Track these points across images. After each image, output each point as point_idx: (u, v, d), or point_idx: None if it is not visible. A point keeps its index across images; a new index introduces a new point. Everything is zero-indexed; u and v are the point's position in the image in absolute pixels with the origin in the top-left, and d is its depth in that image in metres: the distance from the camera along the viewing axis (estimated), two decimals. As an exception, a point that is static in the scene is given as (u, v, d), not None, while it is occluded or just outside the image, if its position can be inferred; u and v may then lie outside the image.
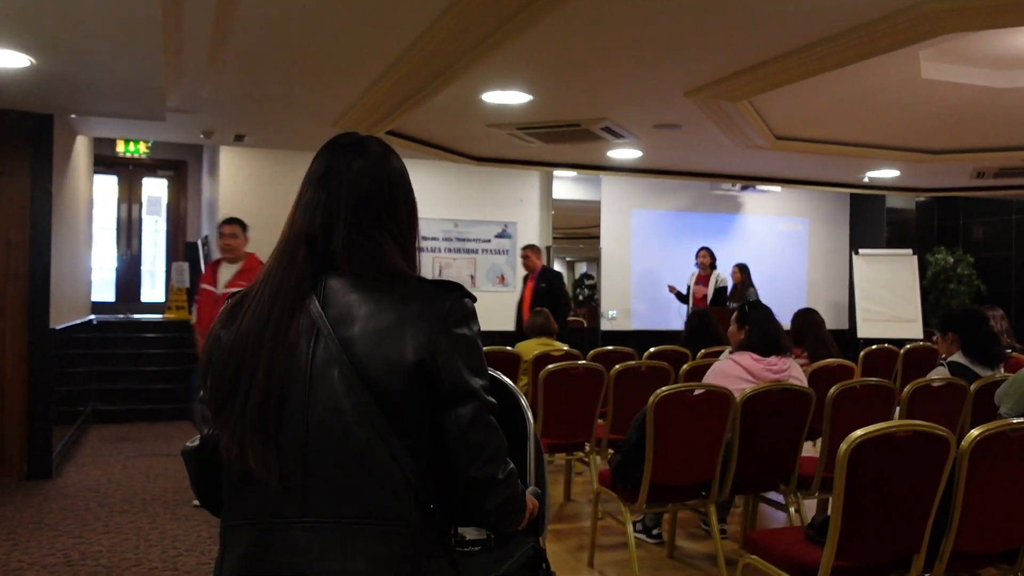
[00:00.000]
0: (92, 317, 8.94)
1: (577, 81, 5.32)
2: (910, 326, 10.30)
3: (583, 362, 5.19)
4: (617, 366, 5.15)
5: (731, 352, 4.18)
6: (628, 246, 10.72)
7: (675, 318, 10.12)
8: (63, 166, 6.42)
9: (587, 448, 5.24)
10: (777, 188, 10.48)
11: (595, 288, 11.09)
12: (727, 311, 9.89)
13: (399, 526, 1.28)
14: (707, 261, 9.75)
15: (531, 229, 10.12)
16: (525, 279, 8.42)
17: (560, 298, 8.37)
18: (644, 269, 10.80)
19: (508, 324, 9.94)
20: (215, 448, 1.36)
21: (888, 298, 10.36)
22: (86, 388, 8.35)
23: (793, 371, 4.09)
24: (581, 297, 11.15)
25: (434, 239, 9.77)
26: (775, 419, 3.98)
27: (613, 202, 10.68)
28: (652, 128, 6.64)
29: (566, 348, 6.27)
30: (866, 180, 9.20)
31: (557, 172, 10.17)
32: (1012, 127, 6.61)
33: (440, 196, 9.75)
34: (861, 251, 10.80)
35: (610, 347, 6.40)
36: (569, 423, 5.08)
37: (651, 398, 3.75)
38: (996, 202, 11.05)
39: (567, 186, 10.60)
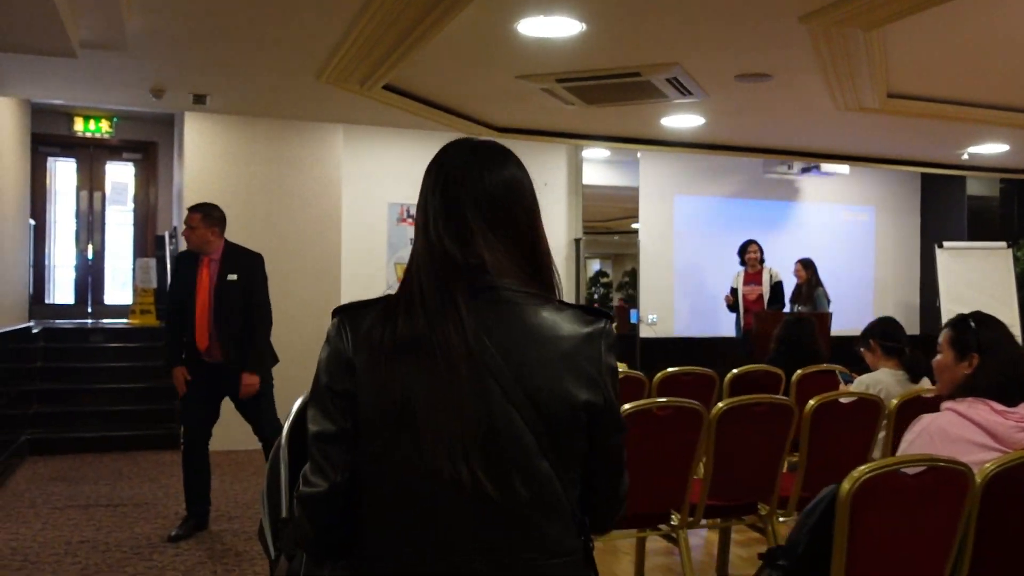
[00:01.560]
0: (31, 324, 7.38)
1: (651, 5, 3.77)
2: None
3: (665, 400, 3.63)
4: (720, 405, 3.60)
5: (948, 398, 2.59)
6: (670, 239, 9.16)
7: (725, 322, 8.54)
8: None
9: (674, 519, 3.66)
10: (845, 169, 8.92)
11: (610, 287, 9.48)
12: (785, 316, 8.34)
13: (574, 559, 1.28)
14: (757, 256, 8.17)
15: (557, 219, 8.56)
16: None
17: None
18: (689, 266, 9.24)
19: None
20: (347, 491, 1.25)
21: (977, 298, 8.78)
22: (21, 412, 6.79)
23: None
24: (596, 297, 9.60)
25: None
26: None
27: (653, 188, 9.09)
28: (732, 80, 5.07)
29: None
30: (965, 157, 7.63)
31: (587, 153, 8.61)
32: None
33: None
34: (946, 244, 9.22)
35: (676, 368, 4.87)
36: (651, 484, 3.53)
37: (845, 484, 2.20)
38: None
39: (599, 169, 9.00)
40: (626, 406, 3.36)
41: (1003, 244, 9.18)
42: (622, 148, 8.11)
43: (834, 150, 7.67)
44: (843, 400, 3.83)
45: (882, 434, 3.93)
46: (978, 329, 2.55)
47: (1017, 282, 9.33)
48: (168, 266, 8.39)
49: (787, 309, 8.43)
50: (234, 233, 7.26)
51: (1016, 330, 8.80)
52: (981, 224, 9.72)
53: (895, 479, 2.25)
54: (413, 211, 8.43)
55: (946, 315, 8.97)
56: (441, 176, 1.33)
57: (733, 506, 3.88)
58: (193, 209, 4.64)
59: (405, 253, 8.03)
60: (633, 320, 8.98)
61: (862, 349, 4.44)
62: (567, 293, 8.51)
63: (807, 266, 8.52)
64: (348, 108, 6.12)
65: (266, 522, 1.43)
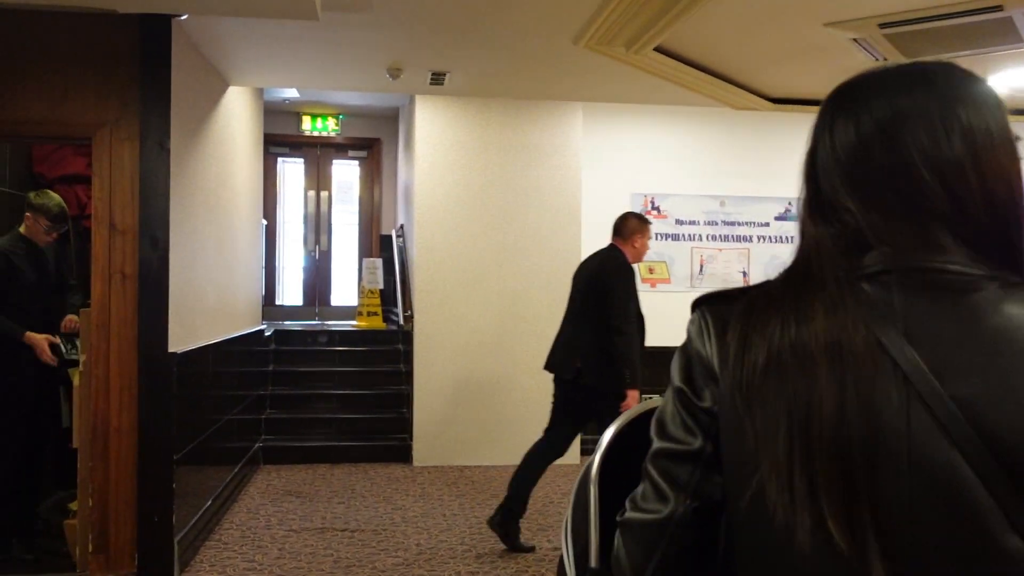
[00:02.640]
0: (263, 326, 7.17)
1: None
2: None
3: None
4: None
5: None
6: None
7: None
8: (191, 117, 4.49)
9: None
10: None
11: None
12: None
13: None
14: None
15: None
16: None
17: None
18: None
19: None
20: (688, 527, 0.95)
21: None
22: (256, 418, 6.55)
23: None
24: None
25: (692, 223, 7.24)
26: None
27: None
28: None
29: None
30: None
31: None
32: None
33: (700, 163, 7.20)
34: None
35: None
36: None
37: None
38: None
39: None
40: None
41: None
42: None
43: None
44: None
45: None
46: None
47: None
48: (397, 266, 8.01)
49: None
50: (467, 229, 6.75)
51: None
52: None
53: None
54: (658, 202, 7.61)
55: None
56: (858, 114, 0.92)
57: None
58: None
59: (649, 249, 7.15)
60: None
61: None
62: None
63: None
64: (600, 80, 5.33)
65: (569, 567, 1.15)
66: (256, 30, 4.22)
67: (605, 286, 4.29)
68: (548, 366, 4.53)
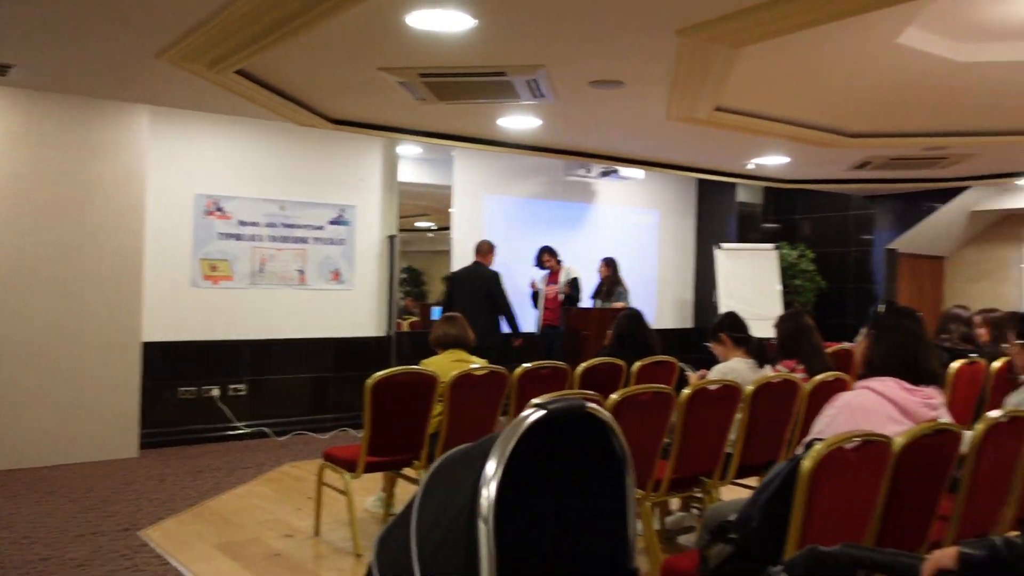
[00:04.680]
0: None
1: (548, 5, 3.86)
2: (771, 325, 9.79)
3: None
4: (615, 396, 3.79)
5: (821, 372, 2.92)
6: (481, 236, 9.32)
7: (526, 319, 8.90)
8: None
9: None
10: (640, 174, 9.57)
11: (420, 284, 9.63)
12: (593, 311, 8.86)
13: None
14: (552, 262, 8.92)
15: (372, 215, 8.44)
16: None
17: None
18: (497, 265, 9.47)
19: (345, 330, 8.23)
20: None
21: (750, 295, 9.81)
22: None
23: (942, 405, 2.93)
24: (403, 296, 9.74)
25: (254, 224, 7.80)
26: (924, 474, 2.82)
27: (466, 186, 9.23)
28: (586, 86, 5.31)
29: (487, 364, 4.85)
30: (750, 167, 8.49)
31: (401, 149, 8.57)
32: (955, 107, 6.01)
33: (263, 170, 7.80)
34: (723, 245, 10.18)
35: (530, 364, 5.04)
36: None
37: (807, 461, 2.43)
38: (833, 197, 10.91)
39: (413, 167, 9.03)
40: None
41: (771, 246, 10.30)
42: (431, 150, 8.23)
43: (641, 156, 8.22)
44: (711, 387, 4.17)
45: (739, 415, 4.31)
46: (887, 317, 2.90)
47: (781, 278, 10.50)
48: None
49: (587, 305, 8.98)
50: (17, 226, 6.47)
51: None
52: (748, 228, 10.85)
53: (840, 454, 2.52)
54: (222, 204, 8.01)
55: (723, 309, 9.92)
56: None
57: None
58: None
59: (212, 248, 7.56)
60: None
61: (711, 343, 4.84)
62: (380, 291, 8.44)
63: (609, 264, 9.10)
64: (174, 89, 5.67)
65: None
66: None
67: None
68: None
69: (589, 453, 1.27)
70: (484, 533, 1.08)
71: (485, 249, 8.24)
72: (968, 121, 6.42)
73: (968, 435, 2.96)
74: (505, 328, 8.18)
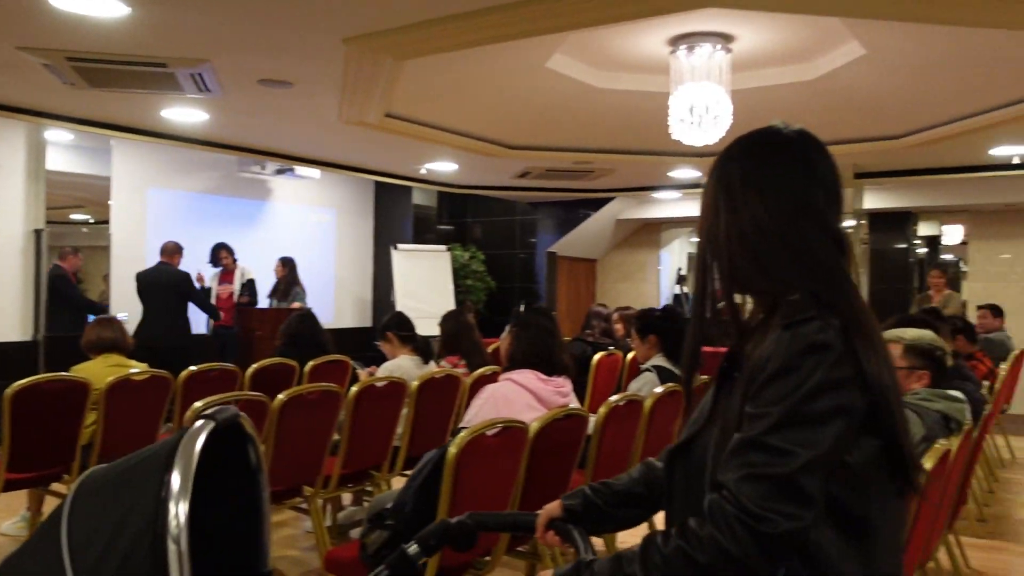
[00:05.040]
0: None
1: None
2: (444, 322, 10.27)
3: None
4: (281, 396, 3.80)
5: (505, 369, 3.21)
6: (144, 233, 8.75)
7: (196, 322, 8.54)
8: None
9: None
10: (316, 173, 9.54)
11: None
12: (268, 312, 8.68)
13: None
14: (229, 260, 8.64)
15: (13, 205, 7.57)
16: None
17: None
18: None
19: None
20: None
21: (425, 294, 10.20)
22: None
23: (571, 392, 3.32)
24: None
25: None
26: (557, 453, 3.18)
27: (127, 179, 8.58)
28: (254, 83, 5.23)
29: (147, 368, 4.63)
30: (423, 172, 8.84)
31: (50, 135, 7.78)
32: (597, 127, 6.77)
33: None
34: (400, 246, 10.47)
35: (195, 367, 4.89)
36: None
37: (452, 448, 2.65)
38: (502, 203, 11.70)
39: (65, 154, 8.22)
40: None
41: (444, 247, 10.79)
42: (87, 138, 7.58)
43: (316, 155, 8.23)
44: (378, 384, 4.33)
45: (405, 410, 4.52)
46: (529, 317, 3.24)
47: (454, 278, 11.04)
48: None
49: (263, 305, 8.80)
50: None
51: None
52: (424, 229, 11.27)
53: (483, 440, 2.78)
54: None
55: (400, 308, 10.24)
56: (822, 170, 1.30)
57: (282, 491, 4.10)
58: None
59: None
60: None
61: (379, 342, 5.02)
62: (26, 291, 7.62)
63: (286, 264, 8.99)
64: None
65: None
66: None
67: None
68: None
69: (227, 462, 1.24)
70: (175, 555, 0.97)
71: (171, 249, 7.79)
72: (608, 140, 7.25)
73: (593, 418, 3.39)
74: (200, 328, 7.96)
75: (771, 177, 1.28)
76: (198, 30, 4.21)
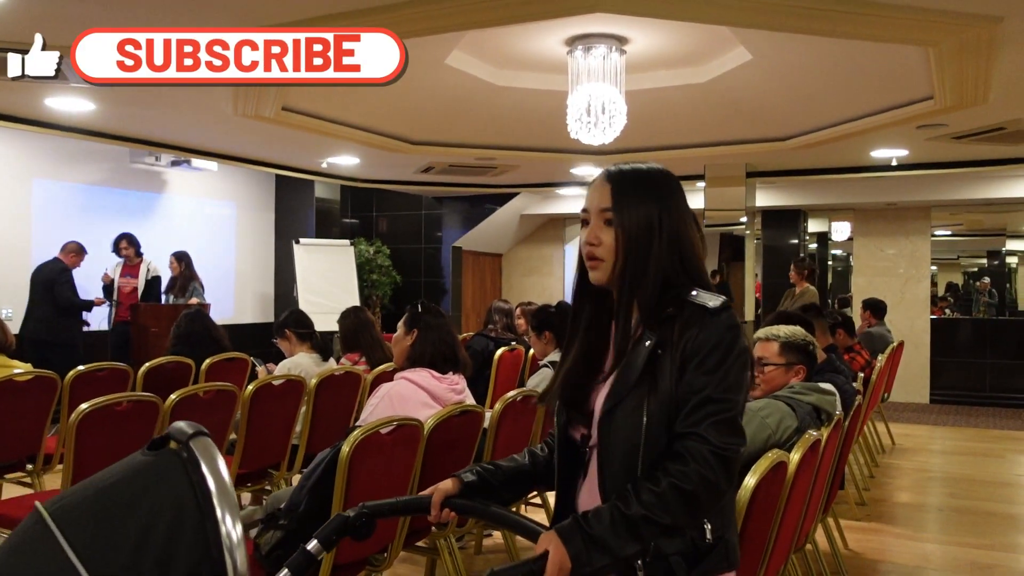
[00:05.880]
0: None
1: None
2: (346, 318, 10.18)
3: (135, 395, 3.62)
4: (173, 396, 3.73)
5: (400, 368, 3.22)
6: (29, 226, 8.38)
7: (98, 318, 8.25)
8: None
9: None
10: (213, 166, 9.31)
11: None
12: (164, 308, 8.42)
13: None
14: (131, 251, 8.31)
15: None
16: None
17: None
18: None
19: None
20: None
21: (328, 289, 10.09)
22: None
23: (466, 389, 3.36)
24: None
25: None
26: (452, 449, 3.22)
27: (8, 169, 8.19)
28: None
29: (31, 368, 4.47)
30: (324, 165, 8.73)
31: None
32: (499, 124, 6.83)
33: None
34: (302, 240, 10.31)
35: (84, 367, 4.74)
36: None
37: (345, 447, 2.66)
38: (408, 197, 11.66)
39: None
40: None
41: (347, 242, 10.69)
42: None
43: (212, 147, 8.03)
44: (275, 383, 4.29)
45: (303, 408, 4.49)
46: (423, 314, 3.26)
47: (359, 273, 10.94)
48: None
49: (163, 301, 8.55)
50: None
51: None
52: (327, 223, 11.13)
53: (377, 438, 2.81)
54: None
55: (302, 303, 10.10)
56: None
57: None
58: None
59: None
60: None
61: (278, 339, 4.96)
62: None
63: (180, 259, 8.73)
64: None
65: None
66: None
67: None
68: None
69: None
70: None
71: (70, 249, 7.62)
72: (510, 137, 7.32)
73: (489, 413, 3.45)
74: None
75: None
76: (72, 17, 4.06)
